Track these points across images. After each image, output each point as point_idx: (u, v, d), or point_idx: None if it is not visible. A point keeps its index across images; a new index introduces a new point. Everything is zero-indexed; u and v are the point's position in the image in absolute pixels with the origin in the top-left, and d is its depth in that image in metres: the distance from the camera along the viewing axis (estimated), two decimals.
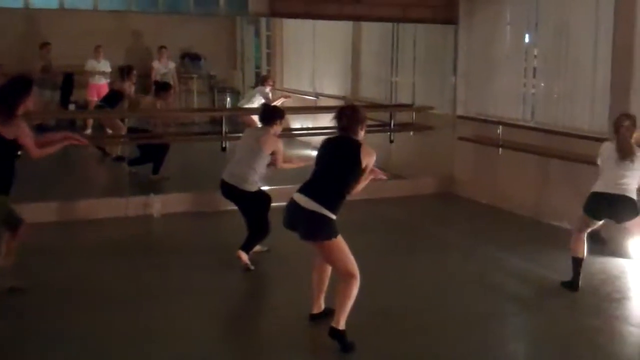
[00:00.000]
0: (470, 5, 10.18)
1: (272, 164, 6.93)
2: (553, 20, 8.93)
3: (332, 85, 13.85)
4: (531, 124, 9.22)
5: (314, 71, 14.69)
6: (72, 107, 13.97)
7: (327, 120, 11.64)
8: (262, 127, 6.99)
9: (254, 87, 13.77)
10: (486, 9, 9.98)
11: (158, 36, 14.96)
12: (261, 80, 13.49)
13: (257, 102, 12.13)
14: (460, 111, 10.41)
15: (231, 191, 6.84)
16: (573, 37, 8.60)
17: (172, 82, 14.54)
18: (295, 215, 4.99)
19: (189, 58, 16.75)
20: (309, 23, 13.73)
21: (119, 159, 11.27)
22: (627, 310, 6.19)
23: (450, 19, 10.31)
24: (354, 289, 4.98)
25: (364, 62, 12.86)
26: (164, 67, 14.60)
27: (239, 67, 17.73)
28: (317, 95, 14.23)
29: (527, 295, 6.38)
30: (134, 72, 11.47)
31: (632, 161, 6.00)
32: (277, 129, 6.91)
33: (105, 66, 14.04)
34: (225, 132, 9.57)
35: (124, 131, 10.95)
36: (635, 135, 6.05)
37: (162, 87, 10.68)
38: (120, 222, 8.57)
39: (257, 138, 6.83)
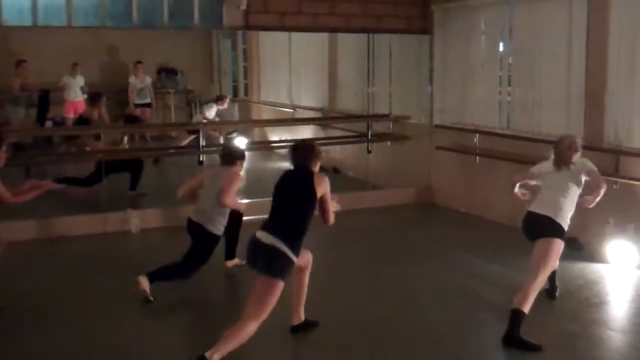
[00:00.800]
0: (444, 16, 10.24)
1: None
2: (527, 29, 9.00)
3: (309, 97, 13.87)
4: (507, 132, 9.27)
5: (291, 83, 14.71)
6: (48, 124, 13.88)
7: (304, 132, 11.76)
8: (224, 167, 6.81)
9: (208, 103, 13.96)
10: (460, 18, 10.04)
11: (134, 51, 14.92)
12: (217, 99, 13.88)
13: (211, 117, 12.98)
14: (437, 120, 10.46)
15: (196, 229, 6.67)
16: (547, 44, 8.67)
17: (149, 97, 14.61)
18: (256, 251, 4.90)
19: (166, 73, 16.72)
20: (284, 35, 13.78)
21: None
22: (606, 314, 6.22)
23: (424, 29, 10.37)
24: (249, 331, 4.76)
25: (341, 73, 12.90)
26: (140, 82, 14.56)
27: (216, 80, 17.73)
28: (294, 107, 14.25)
29: (506, 302, 6.35)
30: (103, 99, 11.47)
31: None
32: (239, 168, 6.81)
33: (80, 82, 13.98)
34: (202, 146, 9.56)
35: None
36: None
37: (94, 97, 10.76)
38: (99, 239, 8.53)
39: (220, 177, 6.67)
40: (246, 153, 7.23)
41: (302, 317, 5.53)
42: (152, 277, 6.31)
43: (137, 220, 8.80)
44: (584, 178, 5.78)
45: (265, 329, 5.27)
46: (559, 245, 5.59)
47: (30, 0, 8.47)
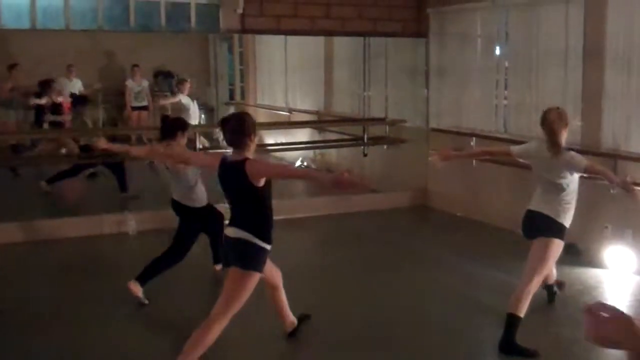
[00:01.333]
0: (440, 19, 10.26)
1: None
2: (523, 32, 9.02)
3: (305, 100, 13.88)
4: (504, 135, 9.28)
5: (287, 86, 14.72)
6: (46, 126, 13.86)
7: (300, 135, 11.75)
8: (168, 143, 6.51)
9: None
10: (456, 22, 10.07)
11: (131, 55, 14.91)
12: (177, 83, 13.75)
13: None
14: (433, 124, 10.47)
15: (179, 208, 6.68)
16: (543, 48, 8.69)
17: (146, 101, 14.62)
18: (226, 248, 4.74)
19: (163, 76, 16.71)
20: (280, 39, 13.78)
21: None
22: None
23: (420, 32, 10.40)
24: (214, 333, 4.56)
25: (337, 76, 12.91)
26: (137, 86, 14.56)
27: (213, 83, 17.72)
28: (290, 110, 14.25)
29: (502, 306, 6.36)
30: (54, 85, 11.45)
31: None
32: (180, 140, 6.50)
33: (77, 85, 13.96)
34: (200, 149, 9.56)
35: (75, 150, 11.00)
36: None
37: (79, 101, 10.91)
38: (95, 241, 8.52)
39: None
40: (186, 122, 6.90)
41: (295, 321, 5.47)
42: (142, 279, 6.29)
43: (133, 222, 8.79)
44: (577, 174, 5.41)
45: (262, 335, 5.27)
46: (558, 246, 5.36)
47: (29, 4, 8.48)
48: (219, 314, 4.61)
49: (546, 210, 5.39)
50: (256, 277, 4.63)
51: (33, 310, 6.26)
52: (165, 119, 7.06)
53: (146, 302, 6.24)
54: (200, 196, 6.66)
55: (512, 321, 5.30)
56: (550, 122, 5.33)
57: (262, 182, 4.51)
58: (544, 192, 5.48)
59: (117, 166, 10.24)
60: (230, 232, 4.65)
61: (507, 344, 5.27)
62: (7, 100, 13.15)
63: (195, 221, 6.64)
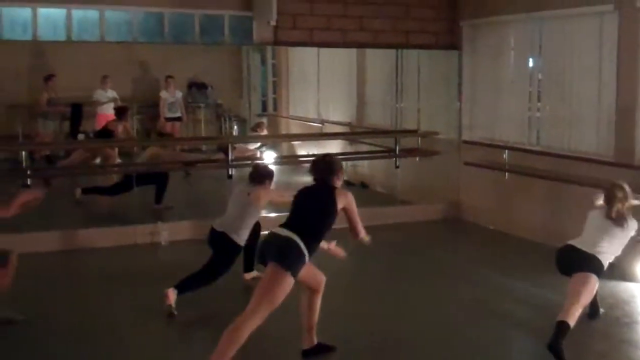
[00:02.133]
0: (473, 31, 10.24)
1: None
2: (557, 44, 8.96)
3: (338, 112, 13.91)
4: (537, 148, 9.22)
5: (319, 98, 14.76)
6: (81, 136, 14.05)
7: (332, 147, 11.78)
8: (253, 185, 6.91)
9: None
10: (489, 34, 10.04)
11: (165, 66, 15.10)
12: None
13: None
14: (465, 136, 10.43)
15: (219, 238, 6.73)
16: (577, 60, 8.62)
17: (180, 112, 14.77)
18: (268, 244, 4.92)
19: (196, 87, 16.88)
20: (313, 50, 13.85)
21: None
22: (637, 334, 6.14)
23: (453, 44, 10.38)
24: (245, 331, 4.68)
25: (369, 88, 12.93)
26: (171, 97, 14.71)
27: (246, 95, 17.85)
28: (322, 122, 14.29)
29: (535, 320, 6.32)
30: (129, 113, 11.63)
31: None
32: (268, 186, 6.94)
33: (111, 95, 14.14)
34: (231, 160, 9.62)
35: (115, 160, 11.12)
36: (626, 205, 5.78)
37: (120, 111, 11.15)
38: (129, 250, 8.61)
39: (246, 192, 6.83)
40: (274, 171, 7.30)
41: (314, 341, 5.37)
42: (181, 288, 6.36)
43: (166, 232, 8.87)
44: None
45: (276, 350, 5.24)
46: (595, 281, 5.60)
47: (65, 16, 8.63)
48: (250, 311, 4.71)
49: (591, 250, 5.65)
50: (290, 280, 4.75)
51: (64, 319, 6.32)
52: (257, 166, 7.33)
53: (175, 313, 6.26)
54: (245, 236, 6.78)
55: (561, 327, 5.34)
56: (618, 200, 5.69)
57: (339, 208, 5.04)
58: (592, 237, 5.75)
59: (160, 178, 10.30)
60: (280, 231, 4.90)
61: (555, 346, 5.27)
62: (45, 111, 13.38)
63: (231, 254, 6.71)
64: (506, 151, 9.44)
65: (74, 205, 10.52)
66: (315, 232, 4.98)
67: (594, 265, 5.59)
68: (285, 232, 4.88)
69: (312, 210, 5.05)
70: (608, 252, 5.65)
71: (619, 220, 5.65)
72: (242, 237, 6.70)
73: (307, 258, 4.87)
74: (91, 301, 6.81)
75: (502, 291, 7.16)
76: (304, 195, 5.21)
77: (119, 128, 11.32)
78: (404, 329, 6.13)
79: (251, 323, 4.68)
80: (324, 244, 5.27)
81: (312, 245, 4.91)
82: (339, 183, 5.19)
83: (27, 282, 6.30)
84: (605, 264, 5.65)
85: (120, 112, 11.63)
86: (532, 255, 8.47)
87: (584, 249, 5.63)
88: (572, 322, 5.35)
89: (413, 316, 6.46)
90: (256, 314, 4.70)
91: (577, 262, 5.64)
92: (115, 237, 8.79)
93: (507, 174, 9.47)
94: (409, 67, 11.66)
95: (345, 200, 5.07)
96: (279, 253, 4.81)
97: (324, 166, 5.24)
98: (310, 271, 5.07)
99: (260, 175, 6.96)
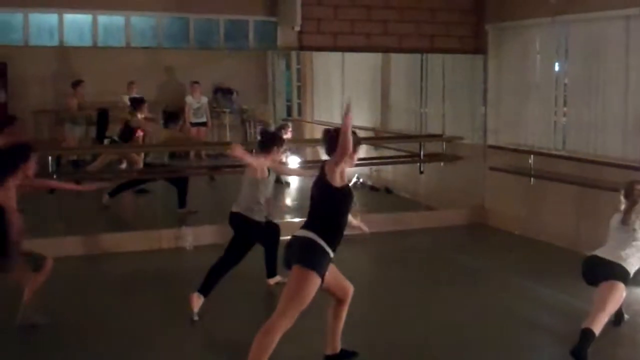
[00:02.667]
0: (498, 35, 10.18)
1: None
2: (583, 48, 8.89)
3: (362, 117, 13.85)
4: (563, 153, 9.15)
5: (343, 103, 14.74)
6: (107, 142, 14.17)
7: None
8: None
9: None
10: (515, 38, 9.98)
11: (190, 71, 15.13)
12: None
13: None
14: (490, 141, 10.36)
15: (236, 218, 6.74)
16: (604, 64, 8.55)
17: (205, 117, 14.83)
18: (290, 247, 4.87)
19: (222, 92, 16.89)
20: (338, 55, 13.84)
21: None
22: None
23: (478, 48, 10.33)
24: (275, 335, 4.62)
25: (393, 93, 12.89)
26: (197, 102, 14.75)
27: (270, 100, 17.87)
28: None
29: (561, 327, 6.26)
30: (145, 104, 11.68)
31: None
32: (276, 155, 6.76)
33: None
34: None
35: (140, 165, 11.15)
36: None
37: (135, 102, 11.16)
38: (154, 255, 8.65)
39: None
40: (285, 139, 7.12)
41: (338, 348, 5.31)
42: (204, 290, 6.34)
43: (191, 237, 8.90)
44: None
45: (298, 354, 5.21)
46: (622, 289, 5.55)
47: (91, 22, 8.71)
48: (278, 313, 4.68)
49: (615, 258, 5.60)
50: (316, 278, 4.68)
51: (88, 323, 6.35)
52: (263, 131, 7.23)
53: (196, 318, 6.26)
54: (262, 211, 6.74)
55: (586, 335, 5.30)
56: (637, 194, 5.69)
57: (337, 181, 4.75)
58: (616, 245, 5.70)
59: (181, 181, 10.35)
60: (298, 232, 4.84)
61: (579, 354, 5.24)
62: (73, 116, 13.48)
63: (253, 235, 6.69)
64: (532, 156, 9.37)
65: (100, 209, 10.60)
66: (328, 223, 4.81)
67: (619, 273, 5.53)
68: (301, 232, 4.81)
69: (315, 200, 4.90)
70: (632, 257, 5.57)
71: (632, 225, 5.58)
72: (257, 214, 6.64)
73: (329, 253, 4.77)
74: (115, 305, 6.85)
75: (528, 297, 7.10)
76: (312, 188, 5.01)
77: (140, 121, 11.35)
78: (428, 335, 6.09)
79: (280, 326, 4.65)
80: (351, 219, 5.16)
81: (331, 238, 4.78)
82: (337, 159, 4.75)
83: (52, 286, 6.33)
84: (631, 270, 5.59)
85: (135, 103, 11.67)
86: (558, 261, 8.39)
87: (608, 257, 5.58)
88: (597, 330, 5.30)
89: (437, 323, 6.41)
90: (284, 316, 4.66)
91: (602, 272, 5.59)
92: (141, 241, 8.83)
93: (532, 179, 9.40)
94: (433, 72, 11.61)
95: (335, 166, 4.73)
96: (300, 253, 4.75)
97: (329, 139, 4.92)
98: (337, 279, 5.04)
99: (267, 140, 6.75)
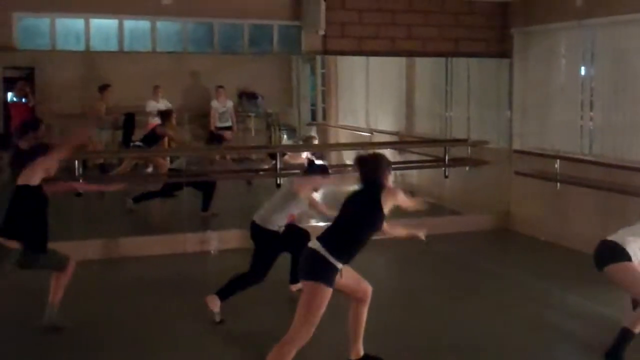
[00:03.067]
0: (524, 39, 10.11)
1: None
2: (609, 52, 8.81)
3: (386, 121, 13.85)
4: (589, 158, 9.06)
5: (368, 107, 14.73)
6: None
7: None
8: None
9: None
10: (540, 42, 9.91)
11: (215, 76, 15.20)
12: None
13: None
14: (516, 145, 10.30)
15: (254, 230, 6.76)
16: (630, 67, 8.46)
17: (230, 121, 14.89)
18: (302, 259, 4.87)
19: (246, 97, 16.94)
20: (362, 60, 13.82)
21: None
22: None
23: (503, 52, 10.27)
24: (290, 349, 4.62)
25: (418, 97, 12.85)
26: (222, 106, 14.82)
27: (295, 104, 17.89)
28: (371, 131, 14.24)
29: (587, 333, 6.20)
30: (174, 115, 11.82)
31: None
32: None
33: (164, 105, 14.31)
34: (280, 169, 9.65)
35: (165, 169, 11.20)
36: None
37: (164, 114, 11.41)
38: (179, 259, 8.68)
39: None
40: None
41: (361, 352, 5.31)
42: (223, 294, 6.34)
43: (216, 241, 8.93)
44: None
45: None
46: (632, 267, 5.44)
47: (117, 27, 8.78)
48: (294, 330, 4.66)
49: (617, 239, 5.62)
50: (326, 290, 4.66)
51: (111, 326, 6.39)
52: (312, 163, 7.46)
53: (218, 320, 6.29)
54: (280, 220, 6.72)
55: (624, 335, 5.31)
56: None
57: (386, 209, 4.82)
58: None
59: (208, 186, 10.38)
60: (310, 243, 4.84)
61: (614, 355, 5.26)
62: (100, 121, 13.59)
63: (270, 244, 6.66)
64: (558, 160, 9.29)
65: (124, 213, 10.67)
66: (349, 241, 4.81)
67: (619, 253, 5.45)
68: (311, 244, 4.82)
69: (349, 217, 4.89)
70: (634, 243, 5.48)
71: None
72: (273, 224, 6.59)
73: (337, 266, 4.73)
74: (139, 309, 6.89)
75: (555, 304, 7.05)
76: (349, 199, 5.04)
77: (168, 132, 11.47)
78: (453, 341, 6.05)
79: (296, 342, 4.65)
80: (401, 232, 5.24)
81: (341, 252, 4.75)
82: (388, 181, 4.97)
83: (75, 289, 6.37)
84: (631, 253, 5.45)
85: (164, 115, 11.82)
86: (584, 267, 8.23)
87: (612, 239, 5.57)
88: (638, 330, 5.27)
89: (462, 329, 6.37)
90: (300, 332, 4.66)
91: (605, 253, 5.58)
92: (165, 245, 8.88)
93: (558, 184, 9.32)
94: (458, 76, 11.56)
95: (394, 198, 4.85)
96: (306, 267, 4.79)
97: (371, 164, 5.06)
98: (353, 279, 5.03)
99: (313, 172, 6.98)
